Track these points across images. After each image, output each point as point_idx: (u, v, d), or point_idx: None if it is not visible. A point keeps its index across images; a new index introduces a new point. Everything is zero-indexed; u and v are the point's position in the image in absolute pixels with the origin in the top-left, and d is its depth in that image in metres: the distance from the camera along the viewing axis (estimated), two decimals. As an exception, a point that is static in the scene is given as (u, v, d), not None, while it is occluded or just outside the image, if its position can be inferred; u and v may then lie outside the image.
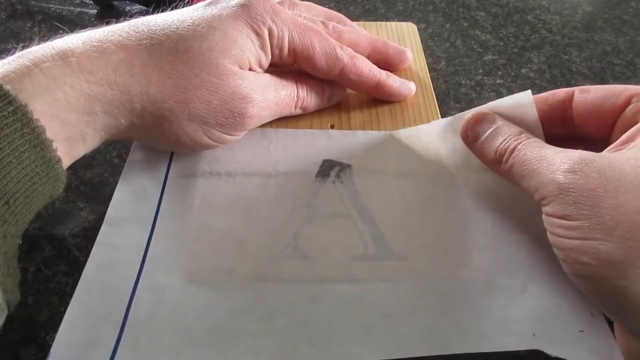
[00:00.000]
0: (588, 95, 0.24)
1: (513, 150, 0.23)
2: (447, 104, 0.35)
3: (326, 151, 0.29)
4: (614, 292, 0.18)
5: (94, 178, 0.29)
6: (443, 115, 0.32)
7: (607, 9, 0.45)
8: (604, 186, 0.19)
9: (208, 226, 0.25)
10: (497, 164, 0.24)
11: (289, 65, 0.29)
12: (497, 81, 0.37)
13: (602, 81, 0.38)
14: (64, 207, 0.28)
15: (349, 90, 0.32)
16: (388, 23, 0.39)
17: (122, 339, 0.21)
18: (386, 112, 0.32)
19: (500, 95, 0.36)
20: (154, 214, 0.26)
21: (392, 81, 0.31)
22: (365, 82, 0.30)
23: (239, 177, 0.28)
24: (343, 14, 0.35)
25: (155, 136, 0.26)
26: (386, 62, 0.33)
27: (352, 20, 0.36)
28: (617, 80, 0.38)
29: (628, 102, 0.22)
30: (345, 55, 0.28)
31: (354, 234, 0.25)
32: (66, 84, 0.21)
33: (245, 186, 0.27)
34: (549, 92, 0.25)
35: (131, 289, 0.23)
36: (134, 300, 0.22)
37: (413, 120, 0.31)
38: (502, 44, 0.41)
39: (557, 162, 0.20)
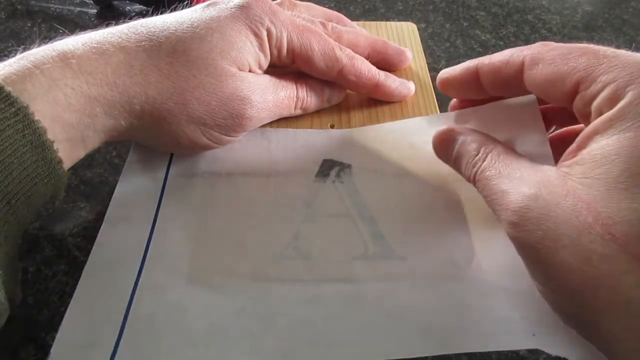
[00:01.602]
0: (535, 74, 0.22)
1: (474, 178, 0.22)
2: (447, 104, 0.35)
3: (326, 151, 0.29)
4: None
5: (94, 178, 0.29)
6: (443, 116, 0.32)
7: (607, 9, 0.45)
8: (542, 241, 0.18)
9: (208, 226, 0.25)
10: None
11: (288, 66, 0.29)
12: (497, 81, 0.37)
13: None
14: (64, 207, 0.28)
15: (348, 90, 0.32)
16: (388, 23, 0.39)
17: (122, 339, 0.21)
18: (386, 112, 0.32)
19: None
20: (154, 214, 0.26)
21: (391, 82, 0.31)
22: (364, 82, 0.30)
23: (239, 177, 0.28)
24: (343, 14, 0.35)
25: (154, 138, 0.26)
26: (386, 63, 0.33)
27: (352, 20, 0.36)
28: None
29: (575, 91, 0.20)
30: (344, 56, 0.28)
31: (354, 233, 0.25)
32: (67, 86, 0.21)
33: (245, 186, 0.27)
34: (500, 63, 0.23)
35: (131, 288, 0.23)
36: (134, 300, 0.22)
37: (413, 120, 0.31)
38: (502, 43, 0.41)
39: (505, 203, 0.19)
